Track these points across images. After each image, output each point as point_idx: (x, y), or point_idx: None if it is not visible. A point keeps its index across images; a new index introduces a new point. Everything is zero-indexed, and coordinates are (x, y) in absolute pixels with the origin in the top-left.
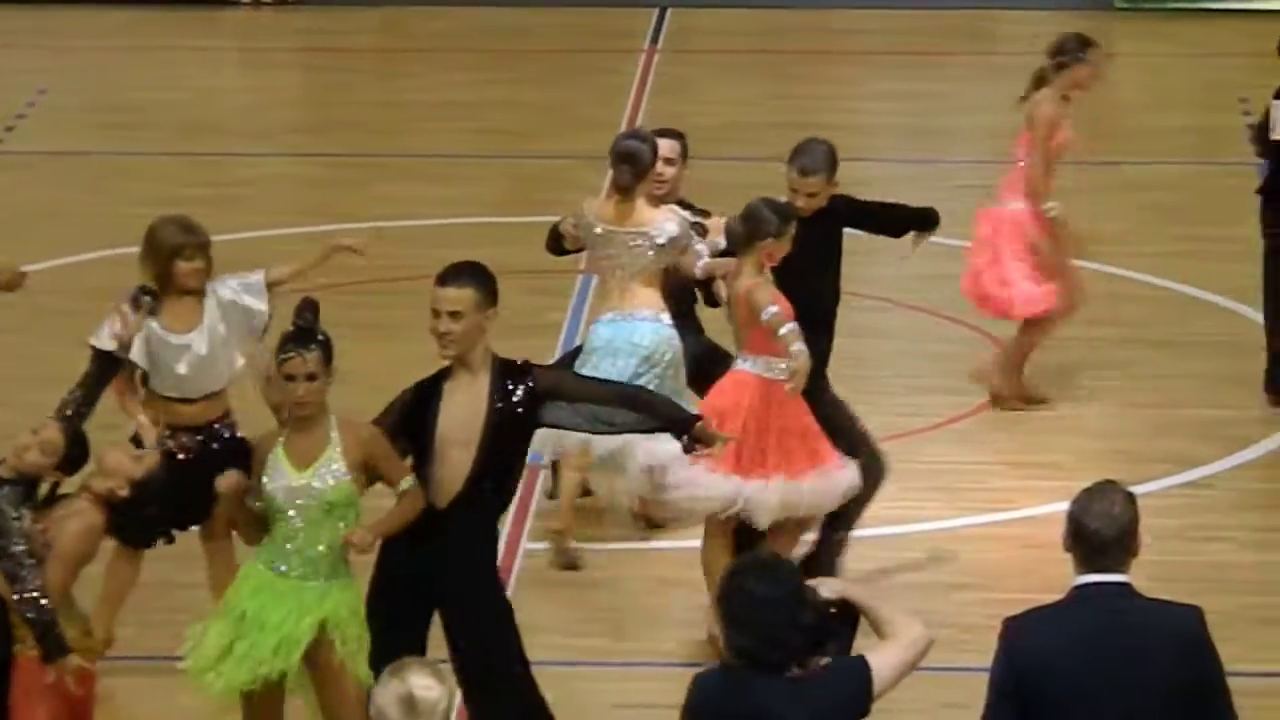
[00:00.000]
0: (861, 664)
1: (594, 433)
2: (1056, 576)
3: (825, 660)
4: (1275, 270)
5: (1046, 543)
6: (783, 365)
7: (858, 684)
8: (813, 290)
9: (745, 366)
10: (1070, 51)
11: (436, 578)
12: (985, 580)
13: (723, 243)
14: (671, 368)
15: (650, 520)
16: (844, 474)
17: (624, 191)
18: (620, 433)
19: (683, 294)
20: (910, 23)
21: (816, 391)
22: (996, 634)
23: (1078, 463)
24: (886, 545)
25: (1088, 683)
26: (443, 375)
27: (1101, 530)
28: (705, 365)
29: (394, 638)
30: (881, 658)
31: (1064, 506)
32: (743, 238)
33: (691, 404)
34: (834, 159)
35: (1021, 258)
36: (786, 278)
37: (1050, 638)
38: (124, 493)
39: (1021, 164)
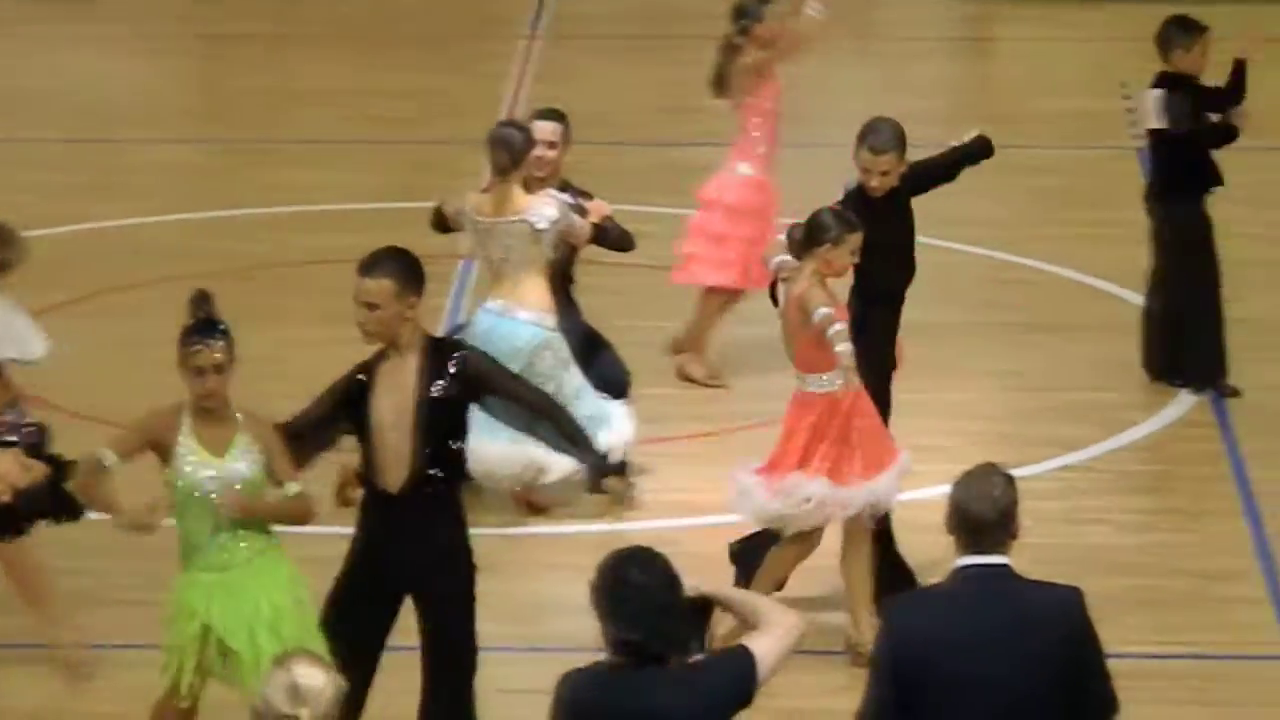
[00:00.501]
0: (744, 652)
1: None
2: (941, 559)
3: (697, 654)
4: (1170, 262)
5: (931, 525)
6: (828, 377)
7: (742, 672)
8: (897, 271)
9: (809, 388)
10: (750, 12)
11: (399, 564)
12: None
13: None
14: (554, 372)
15: (532, 506)
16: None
17: (500, 177)
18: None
19: (560, 279)
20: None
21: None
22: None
23: (962, 446)
24: None
25: (967, 664)
26: (378, 359)
27: (982, 512)
28: (582, 351)
29: (356, 624)
30: (761, 645)
31: (947, 490)
32: (802, 244)
33: (591, 399)
34: (903, 136)
35: (735, 224)
36: (874, 262)
37: (931, 619)
38: (5, 499)
39: (755, 134)
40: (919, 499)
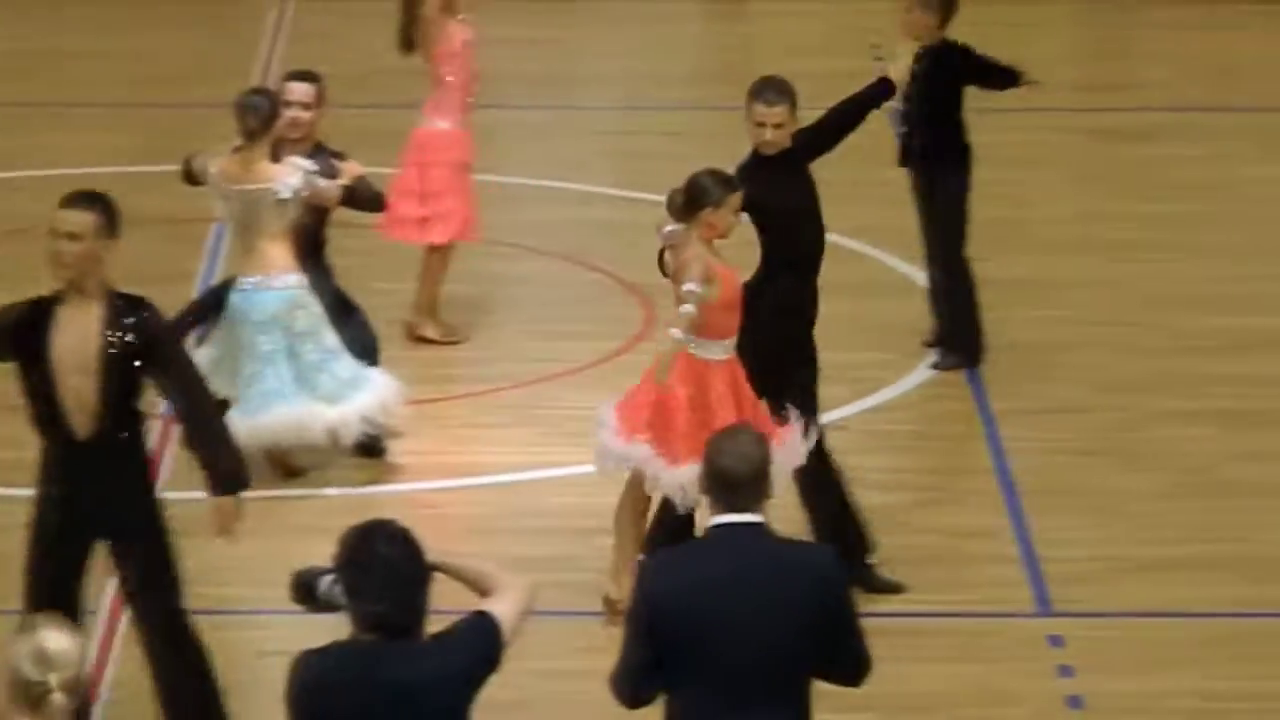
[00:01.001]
0: (487, 618)
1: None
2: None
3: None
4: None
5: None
6: (727, 343)
7: (488, 638)
8: (805, 237)
9: (697, 352)
10: None
11: (90, 511)
12: None
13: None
14: (314, 328)
15: (288, 469)
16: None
17: (247, 143)
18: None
19: (310, 244)
20: None
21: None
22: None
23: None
24: (524, 491)
25: (721, 620)
26: (56, 299)
27: (736, 470)
28: (333, 315)
29: (53, 572)
30: (500, 609)
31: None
32: (683, 208)
33: (348, 361)
34: (794, 92)
35: (444, 179)
36: (778, 229)
37: (684, 577)
38: None
39: (450, 80)
40: None
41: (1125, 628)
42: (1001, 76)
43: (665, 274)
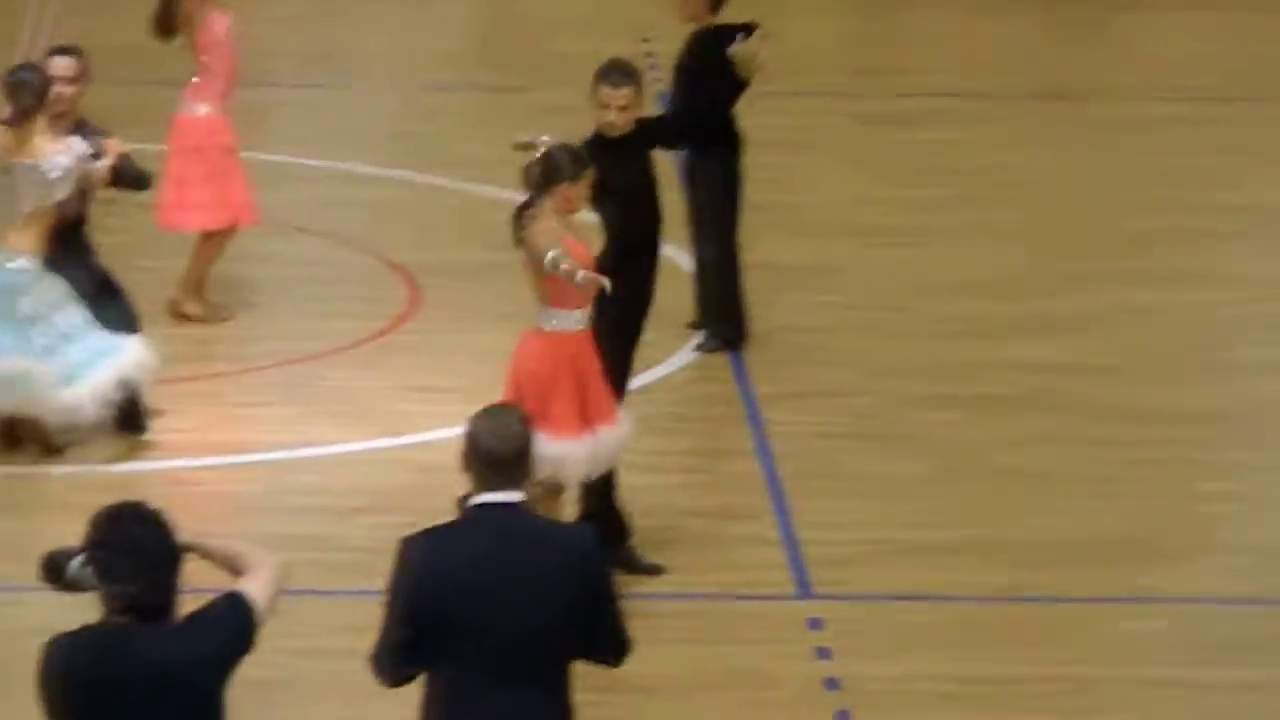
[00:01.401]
0: (240, 597)
1: None
2: (454, 499)
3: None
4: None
5: (447, 465)
6: (580, 314)
7: (242, 618)
8: (645, 219)
9: (553, 325)
10: None
11: None
12: (384, 504)
13: None
14: (39, 314)
15: (46, 446)
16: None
17: (21, 118)
18: None
19: (71, 222)
20: None
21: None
22: None
23: (478, 386)
24: (288, 469)
25: (481, 598)
26: None
27: (498, 449)
28: (94, 292)
29: None
30: (254, 588)
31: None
32: (538, 182)
33: (93, 337)
34: (640, 74)
35: (209, 164)
36: (617, 210)
37: (444, 555)
38: None
39: (208, 65)
40: (438, 439)
41: (884, 611)
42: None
43: (517, 244)
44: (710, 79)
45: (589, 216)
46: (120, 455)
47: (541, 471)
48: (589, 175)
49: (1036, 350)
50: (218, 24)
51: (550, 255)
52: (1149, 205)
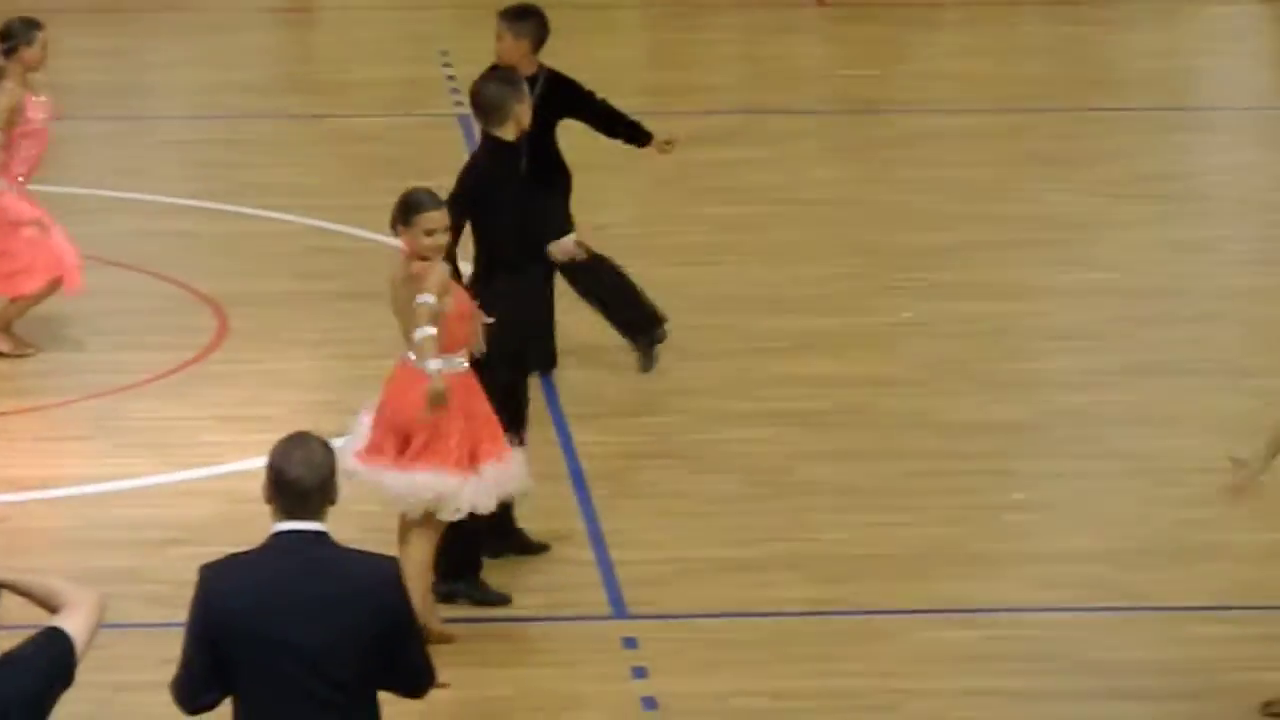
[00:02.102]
0: (59, 634)
1: None
2: (266, 529)
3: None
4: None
5: (256, 496)
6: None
7: (60, 653)
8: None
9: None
10: (18, 35)
11: None
12: (197, 535)
13: None
14: None
15: None
16: (520, 458)
17: None
18: None
19: None
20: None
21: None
22: None
23: (288, 415)
24: (96, 503)
25: (278, 628)
26: None
27: (302, 478)
28: None
29: None
30: (73, 624)
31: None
32: (397, 220)
33: None
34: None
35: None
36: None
37: (243, 584)
38: None
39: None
40: (248, 469)
41: (698, 628)
42: (629, 129)
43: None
44: (544, 124)
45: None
46: None
47: (421, 501)
48: (440, 216)
49: (834, 365)
50: (36, 113)
51: (421, 299)
52: (942, 218)
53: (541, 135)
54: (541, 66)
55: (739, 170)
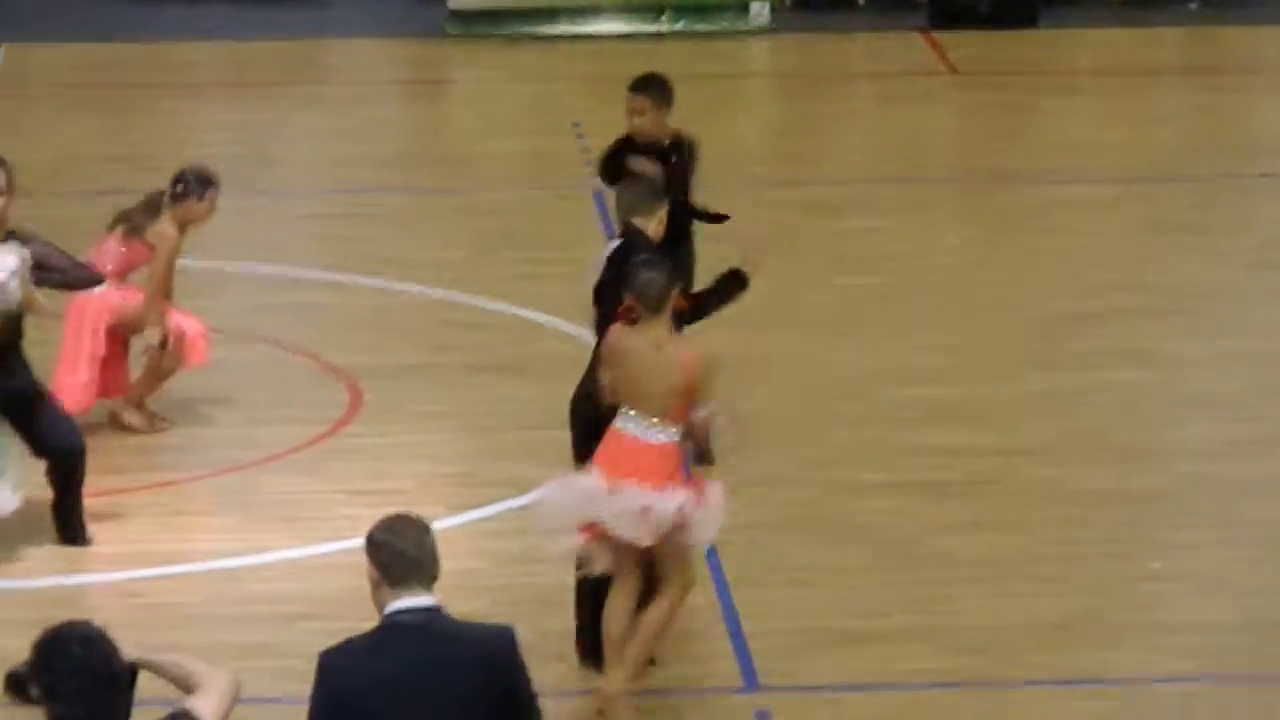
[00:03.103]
0: (191, 717)
1: None
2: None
3: None
4: None
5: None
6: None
7: None
8: None
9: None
10: (191, 190)
11: None
12: (329, 610)
13: None
14: None
15: None
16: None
17: None
18: None
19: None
20: (244, 54)
21: None
22: None
23: (418, 489)
24: (228, 578)
25: (400, 706)
26: None
27: (409, 554)
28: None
29: None
30: (205, 707)
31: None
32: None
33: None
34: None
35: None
36: None
37: (362, 665)
38: None
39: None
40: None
41: (831, 701)
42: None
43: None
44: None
45: None
46: (63, 568)
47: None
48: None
49: (963, 435)
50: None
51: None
52: (1075, 288)
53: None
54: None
55: (868, 239)
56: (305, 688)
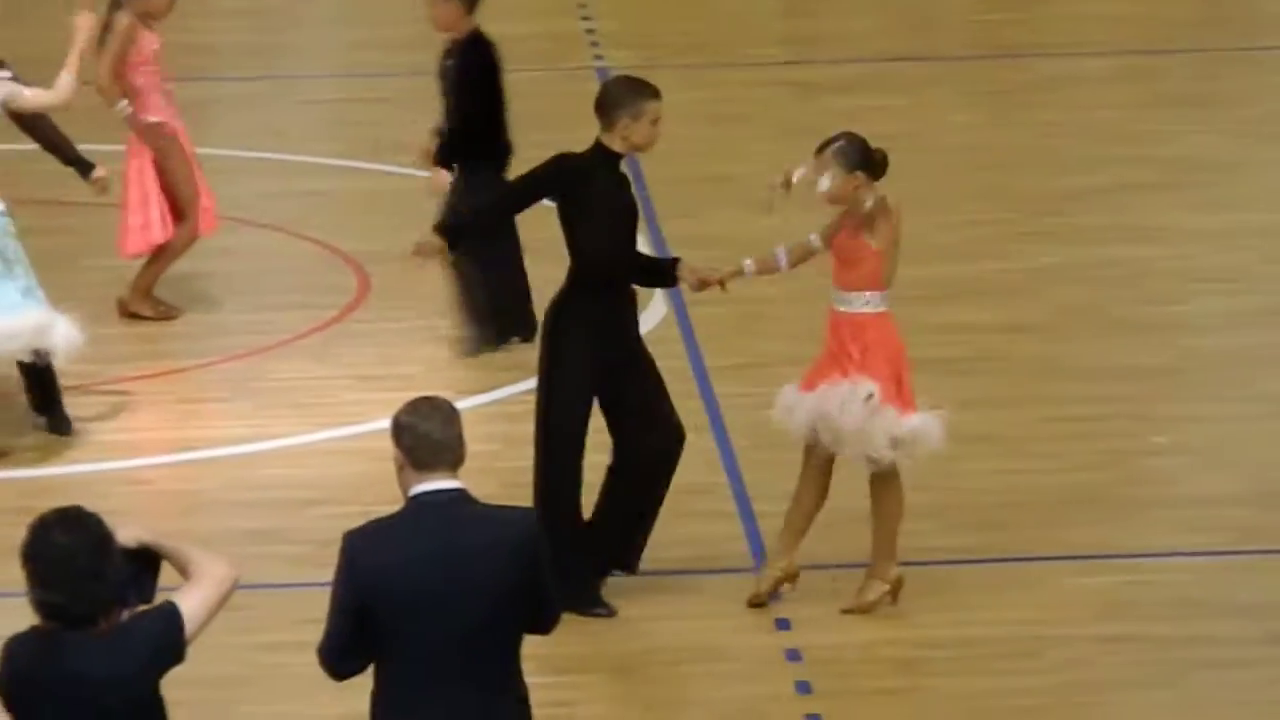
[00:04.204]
0: (170, 609)
1: None
2: None
3: (131, 611)
4: None
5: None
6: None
7: (169, 630)
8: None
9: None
10: None
11: None
12: (338, 495)
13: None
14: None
15: None
16: None
17: None
18: None
19: None
20: None
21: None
22: None
23: (428, 373)
24: (237, 464)
25: (425, 589)
26: None
27: (434, 436)
28: None
29: None
30: (189, 599)
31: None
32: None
33: (37, 298)
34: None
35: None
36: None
37: (388, 548)
38: None
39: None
40: (384, 429)
41: (841, 579)
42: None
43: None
44: (475, 89)
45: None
46: (73, 456)
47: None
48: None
49: (977, 312)
50: (148, 45)
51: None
52: (1082, 162)
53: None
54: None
55: (874, 118)
56: (316, 572)
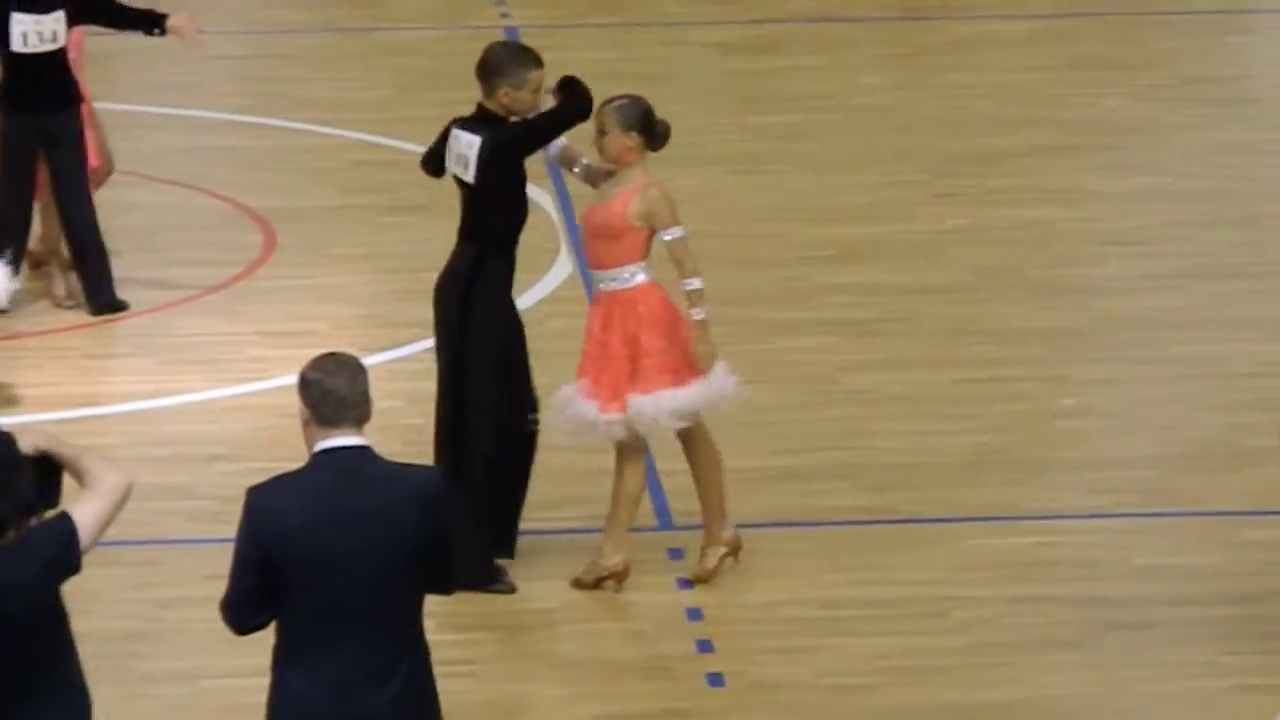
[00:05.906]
0: (64, 520)
1: None
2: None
3: (38, 518)
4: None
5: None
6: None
7: (63, 540)
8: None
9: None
10: None
11: None
12: (242, 451)
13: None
14: None
15: None
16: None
17: None
18: None
19: None
20: None
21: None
22: None
23: (333, 330)
24: (142, 419)
25: (327, 544)
26: None
27: (340, 392)
28: None
29: None
30: (83, 509)
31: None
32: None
33: None
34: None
35: None
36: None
37: (291, 503)
38: None
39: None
40: (288, 385)
41: (746, 538)
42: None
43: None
44: None
45: None
46: None
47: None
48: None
49: (887, 273)
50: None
51: (672, 235)
52: (993, 124)
53: None
54: None
55: (788, 79)
56: (221, 528)
